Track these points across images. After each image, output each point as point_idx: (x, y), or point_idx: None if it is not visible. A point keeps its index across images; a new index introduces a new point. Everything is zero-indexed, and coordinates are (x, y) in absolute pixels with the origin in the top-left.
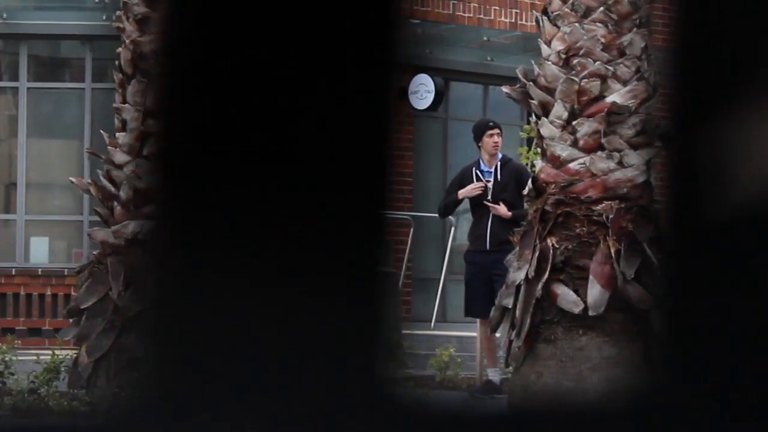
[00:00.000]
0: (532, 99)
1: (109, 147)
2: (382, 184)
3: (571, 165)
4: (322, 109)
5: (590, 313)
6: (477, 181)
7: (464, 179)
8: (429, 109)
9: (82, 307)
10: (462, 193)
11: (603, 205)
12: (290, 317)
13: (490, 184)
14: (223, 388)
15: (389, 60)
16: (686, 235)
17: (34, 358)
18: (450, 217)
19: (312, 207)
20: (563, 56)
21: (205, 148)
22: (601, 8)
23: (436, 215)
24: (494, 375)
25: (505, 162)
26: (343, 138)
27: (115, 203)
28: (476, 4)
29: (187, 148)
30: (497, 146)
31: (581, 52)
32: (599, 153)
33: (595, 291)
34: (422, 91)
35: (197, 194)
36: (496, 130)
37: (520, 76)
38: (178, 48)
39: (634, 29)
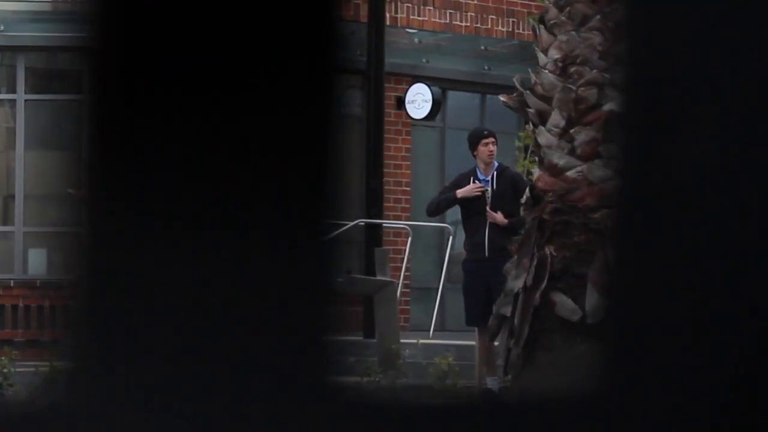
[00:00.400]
0: (529, 108)
1: None
2: (322, 191)
3: (569, 173)
4: (260, 114)
5: (588, 321)
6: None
7: (461, 185)
8: (426, 118)
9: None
10: (461, 192)
11: (600, 213)
12: (227, 320)
13: (488, 193)
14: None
15: (329, 64)
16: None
17: (33, 369)
18: (448, 226)
19: (245, 214)
20: (560, 65)
21: (145, 158)
22: (598, 16)
23: (435, 224)
24: (493, 383)
25: (502, 170)
26: (283, 144)
27: None
28: (473, 14)
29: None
30: (492, 155)
31: (578, 61)
32: (597, 161)
33: (593, 299)
34: (419, 100)
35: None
36: (491, 139)
37: (517, 85)
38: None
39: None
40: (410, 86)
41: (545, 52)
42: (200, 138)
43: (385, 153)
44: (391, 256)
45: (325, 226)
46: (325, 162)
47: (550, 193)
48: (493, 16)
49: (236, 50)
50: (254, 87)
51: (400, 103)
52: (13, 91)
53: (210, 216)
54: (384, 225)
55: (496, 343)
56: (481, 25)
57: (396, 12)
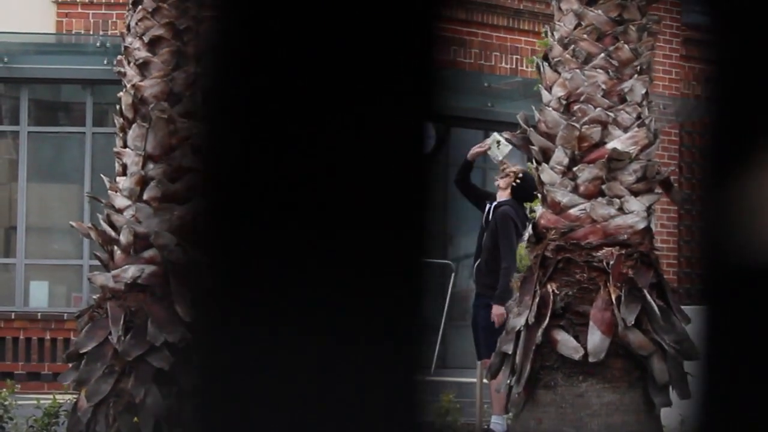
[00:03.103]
0: (533, 145)
1: (109, 191)
2: (421, 231)
3: (572, 211)
4: (352, 159)
5: (590, 359)
6: (485, 217)
7: (485, 201)
8: (430, 154)
9: (81, 351)
10: (471, 154)
11: (603, 251)
12: (323, 363)
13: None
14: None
15: (427, 109)
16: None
17: (34, 402)
18: (450, 263)
19: (341, 253)
20: (564, 102)
21: (242, 186)
22: (602, 54)
23: (438, 261)
24: (496, 423)
25: (497, 206)
26: (381, 185)
27: (115, 247)
28: (477, 50)
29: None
30: (498, 186)
31: (582, 98)
32: (600, 199)
33: (595, 337)
34: None
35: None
36: (501, 172)
37: (520, 122)
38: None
39: (635, 75)
40: None
41: (549, 89)
42: (298, 181)
43: None
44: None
45: (421, 266)
46: (421, 204)
47: (553, 231)
48: (497, 53)
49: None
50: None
51: None
52: (17, 123)
53: (308, 256)
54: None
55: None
56: (485, 61)
57: None
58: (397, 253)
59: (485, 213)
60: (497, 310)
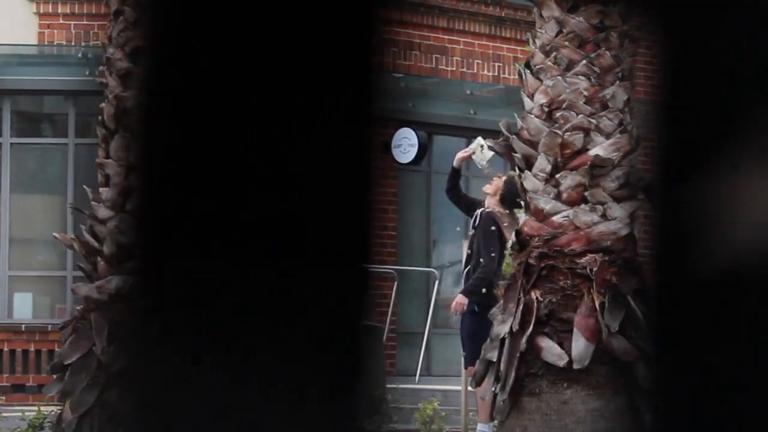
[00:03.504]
0: (516, 152)
1: (92, 202)
2: (366, 238)
3: (555, 218)
4: (305, 163)
5: (575, 366)
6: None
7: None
8: (412, 162)
9: (66, 362)
10: (456, 160)
11: (587, 258)
12: (273, 371)
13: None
14: None
15: (371, 113)
16: (673, 288)
17: (19, 414)
18: (434, 270)
19: (296, 260)
20: (546, 109)
21: (185, 202)
22: (584, 61)
23: (420, 269)
24: (482, 431)
25: (484, 213)
26: (326, 192)
27: (99, 258)
28: (459, 58)
29: (168, 203)
30: (485, 193)
31: (564, 105)
32: (583, 206)
33: (579, 344)
34: (405, 144)
35: (177, 250)
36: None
37: (503, 130)
38: (159, 102)
39: (617, 82)
40: (396, 131)
41: (531, 96)
42: (241, 186)
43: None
44: (376, 300)
45: (363, 272)
46: (364, 209)
47: (536, 238)
48: (479, 61)
49: (276, 100)
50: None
51: (386, 147)
52: None
53: (250, 262)
54: (370, 269)
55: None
56: (467, 69)
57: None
58: (340, 259)
59: (473, 220)
60: (460, 299)
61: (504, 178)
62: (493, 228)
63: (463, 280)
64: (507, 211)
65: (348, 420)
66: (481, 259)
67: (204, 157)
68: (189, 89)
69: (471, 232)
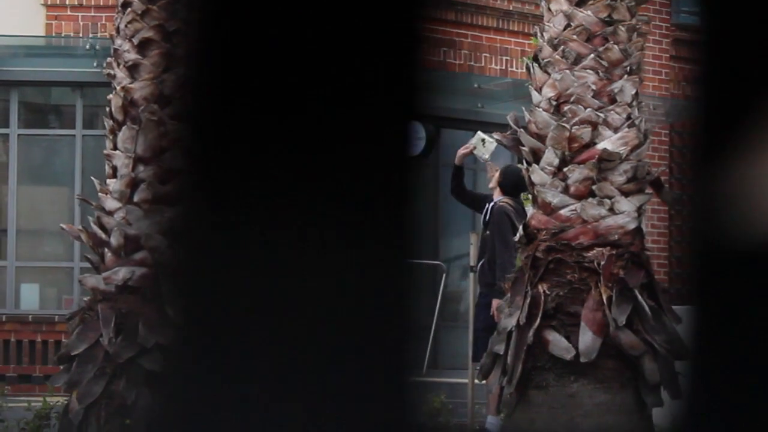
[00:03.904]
0: (523, 146)
1: (99, 193)
2: (406, 233)
3: (562, 211)
4: (337, 159)
5: (582, 359)
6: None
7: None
8: (420, 156)
9: (72, 353)
10: (458, 157)
11: (594, 251)
12: (300, 356)
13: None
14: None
15: (413, 109)
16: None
17: (25, 405)
18: (442, 263)
19: (325, 255)
20: (554, 103)
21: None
22: (592, 55)
23: (429, 262)
24: (491, 423)
25: (495, 205)
26: (366, 186)
27: (106, 250)
28: (466, 51)
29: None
30: (490, 183)
31: (572, 99)
32: (590, 199)
33: (586, 337)
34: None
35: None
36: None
37: (511, 123)
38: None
39: (625, 76)
40: None
41: (539, 90)
42: (283, 179)
43: None
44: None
45: (406, 266)
46: (405, 203)
47: (544, 231)
48: (487, 54)
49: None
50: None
51: None
52: (7, 126)
53: (295, 257)
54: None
55: (484, 382)
56: (475, 63)
57: None
58: (382, 254)
59: (484, 213)
60: (496, 303)
61: (500, 169)
62: (506, 221)
63: (477, 275)
64: (512, 201)
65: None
66: (498, 259)
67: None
68: (232, 85)
69: (482, 226)
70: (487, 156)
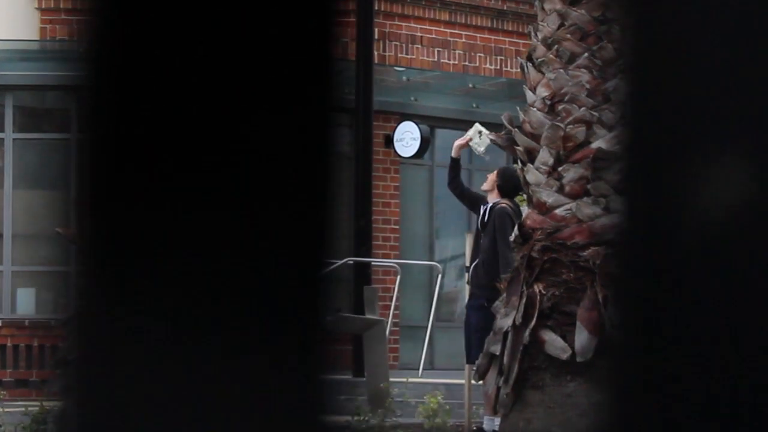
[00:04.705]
0: (518, 145)
1: None
2: (323, 230)
3: (558, 211)
4: (256, 155)
5: (578, 359)
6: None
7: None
8: (415, 156)
9: (69, 358)
10: (454, 149)
11: (590, 251)
12: (232, 365)
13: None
14: None
15: (327, 101)
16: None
17: (22, 409)
18: (437, 264)
19: (245, 251)
20: (548, 102)
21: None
22: (586, 54)
23: (424, 263)
24: (488, 423)
25: (493, 206)
26: (285, 185)
27: None
28: (461, 52)
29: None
30: (484, 188)
31: (566, 98)
32: (585, 199)
33: (582, 337)
34: (407, 138)
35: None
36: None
37: (505, 123)
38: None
39: (619, 74)
40: (398, 124)
41: (533, 90)
42: (196, 177)
43: (374, 191)
44: (380, 294)
45: (320, 266)
46: (322, 201)
47: (539, 231)
48: (481, 54)
49: (232, 91)
50: (254, 126)
51: (389, 141)
52: (2, 130)
53: (205, 254)
54: (373, 263)
55: (481, 382)
56: (469, 63)
57: (384, 50)
58: (299, 252)
59: (480, 215)
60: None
61: (495, 170)
62: (508, 223)
63: (470, 276)
64: (510, 202)
65: (309, 413)
66: (502, 260)
67: (166, 149)
68: (148, 80)
69: (478, 227)
70: (482, 149)
